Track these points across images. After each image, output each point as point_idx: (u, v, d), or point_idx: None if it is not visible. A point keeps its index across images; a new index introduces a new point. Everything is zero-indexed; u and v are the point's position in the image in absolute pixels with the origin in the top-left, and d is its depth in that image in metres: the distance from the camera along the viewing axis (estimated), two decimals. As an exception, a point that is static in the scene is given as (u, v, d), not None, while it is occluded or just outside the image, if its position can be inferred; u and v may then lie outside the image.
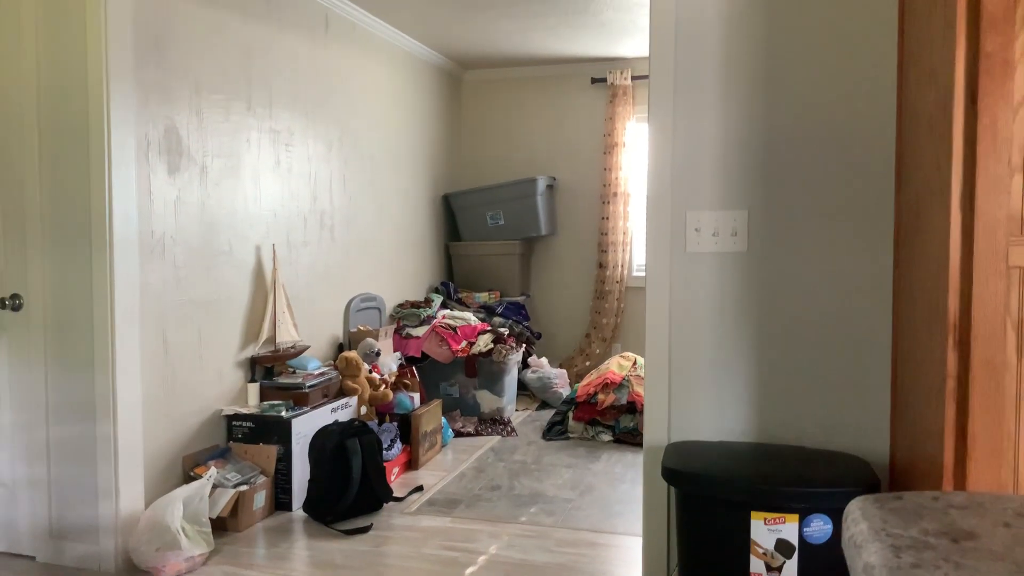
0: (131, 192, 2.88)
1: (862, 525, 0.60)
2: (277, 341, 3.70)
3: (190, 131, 3.26)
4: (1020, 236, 1.45)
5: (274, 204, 3.80)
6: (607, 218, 5.73)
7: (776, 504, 1.79)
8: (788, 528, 1.78)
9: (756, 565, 1.80)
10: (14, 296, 2.91)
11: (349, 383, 3.86)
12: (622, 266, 5.75)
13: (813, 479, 1.83)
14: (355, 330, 4.39)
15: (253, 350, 3.64)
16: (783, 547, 1.79)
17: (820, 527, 1.77)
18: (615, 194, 5.70)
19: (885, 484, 2.06)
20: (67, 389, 2.86)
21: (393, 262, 5.07)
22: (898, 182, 2.02)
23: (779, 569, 1.79)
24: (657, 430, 2.28)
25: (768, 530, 1.79)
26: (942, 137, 1.55)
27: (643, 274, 5.82)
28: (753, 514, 1.80)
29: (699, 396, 2.24)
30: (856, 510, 0.63)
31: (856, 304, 2.10)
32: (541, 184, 5.63)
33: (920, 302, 1.76)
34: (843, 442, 2.11)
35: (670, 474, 1.92)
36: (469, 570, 2.81)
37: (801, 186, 2.14)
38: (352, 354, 3.94)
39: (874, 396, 2.09)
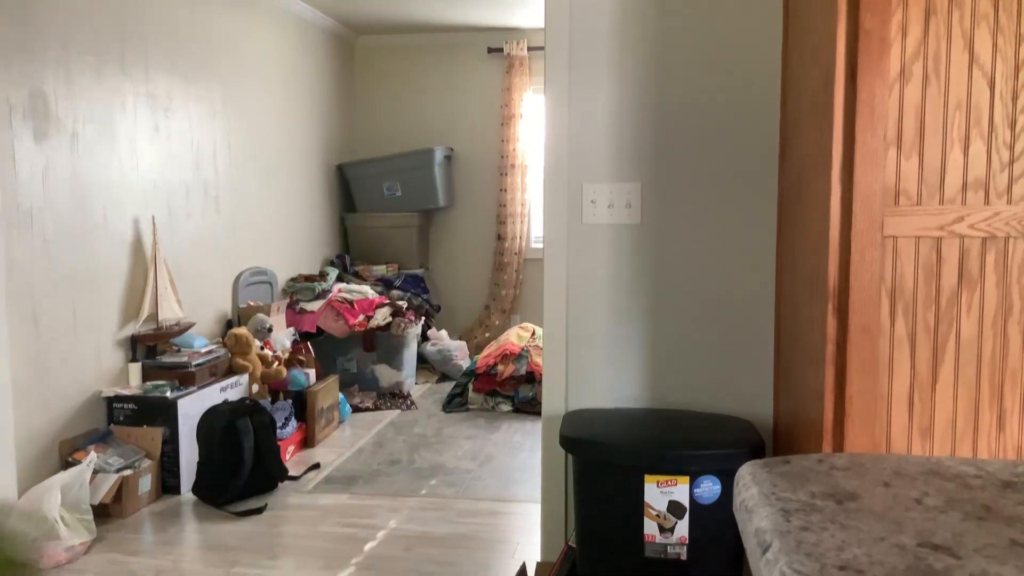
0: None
1: (752, 490, 0.61)
2: (160, 318, 3.52)
3: (58, 95, 3.02)
4: (895, 207, 1.53)
5: (153, 173, 3.58)
6: (505, 190, 5.73)
7: (668, 467, 1.84)
8: (679, 490, 1.84)
9: (650, 527, 1.86)
10: None
11: (239, 361, 3.72)
12: (521, 238, 5.78)
13: (702, 442, 1.89)
14: (245, 306, 4.23)
15: (134, 328, 3.45)
16: (675, 508, 1.85)
17: (709, 488, 1.84)
18: (513, 166, 5.70)
19: (769, 444, 2.17)
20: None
21: (284, 234, 4.90)
22: (782, 156, 2.09)
23: (671, 529, 1.86)
24: (555, 399, 2.31)
25: (660, 492, 1.85)
26: (823, 112, 1.62)
27: (541, 246, 5.87)
28: (646, 477, 1.85)
29: (595, 365, 2.28)
30: (747, 475, 0.64)
31: (742, 274, 2.18)
32: (438, 154, 5.56)
33: (802, 271, 1.84)
34: (731, 406, 2.20)
35: (567, 442, 1.95)
36: (369, 545, 2.78)
37: (691, 160, 2.19)
38: (242, 331, 3.79)
39: (759, 362, 2.19)
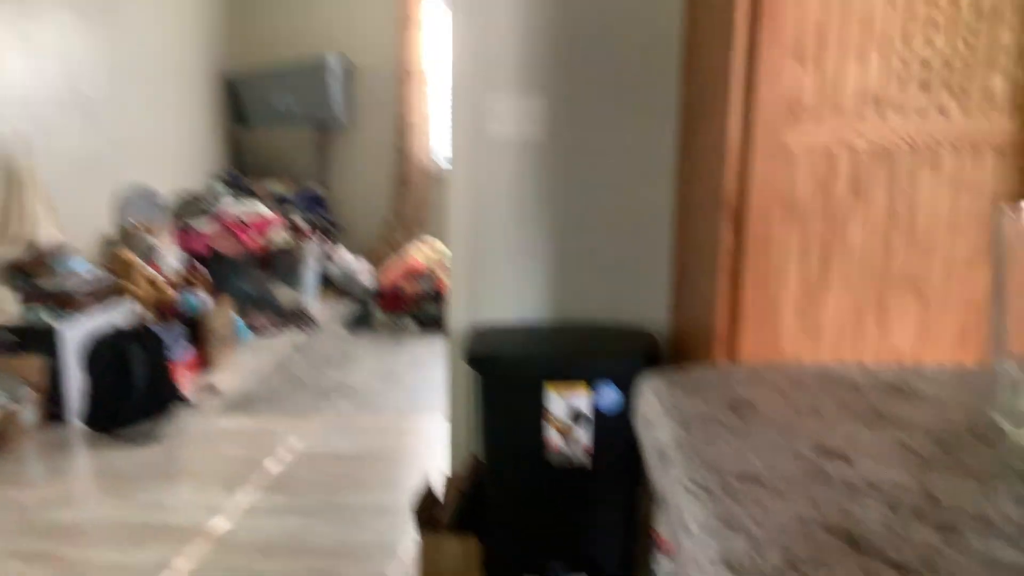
0: None
1: (653, 401, 0.60)
2: (36, 241, 3.27)
3: None
4: (793, 120, 1.54)
5: (21, 86, 3.26)
6: (406, 102, 5.54)
7: (569, 376, 1.87)
8: (581, 398, 1.88)
9: (553, 435, 1.90)
10: None
11: (125, 284, 3.53)
12: (423, 152, 5.63)
13: (602, 351, 1.93)
14: (129, 226, 3.98)
15: (6, 252, 3.20)
16: (577, 416, 1.89)
17: (610, 395, 1.88)
18: (413, 76, 5.50)
19: (667, 353, 2.23)
20: None
21: (170, 150, 4.60)
22: (685, 70, 2.08)
23: (573, 437, 1.90)
24: (459, 315, 2.29)
25: (563, 401, 1.88)
26: (725, 23, 1.60)
27: (445, 161, 5.75)
28: (548, 386, 1.88)
29: (500, 281, 2.27)
30: (647, 387, 0.64)
31: (643, 187, 2.19)
32: (333, 63, 5.29)
33: (701, 184, 1.86)
34: (632, 317, 2.24)
35: (471, 356, 1.94)
36: (271, 466, 2.75)
37: (595, 73, 2.14)
38: (126, 252, 3.58)
39: (658, 274, 2.22)
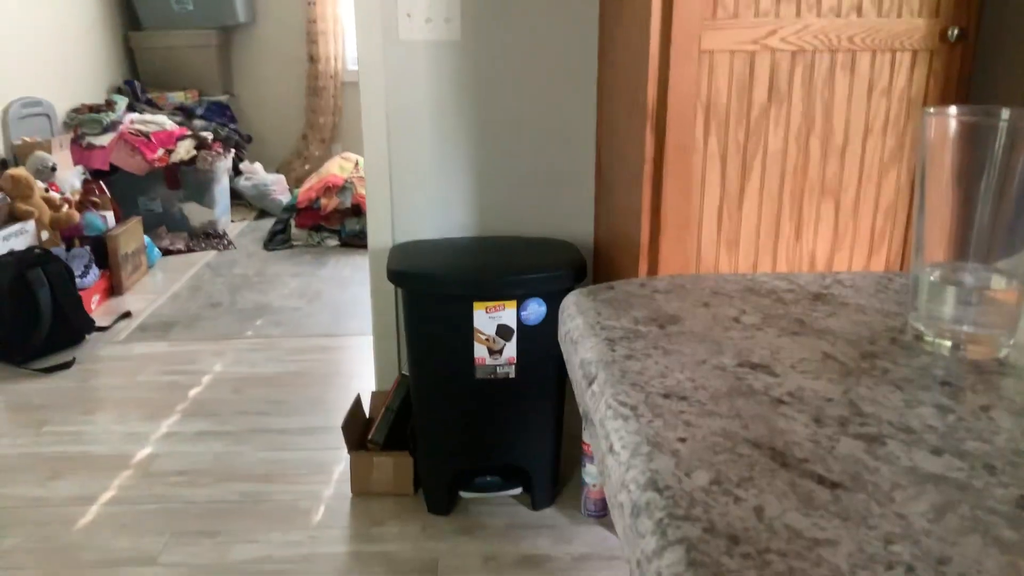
0: None
1: (577, 320, 0.59)
2: (-90, 161, 3.01)
3: None
4: (712, 20, 1.51)
5: None
6: (314, 3, 5.23)
7: (495, 293, 1.86)
8: (507, 314, 1.87)
9: (479, 350, 1.90)
10: None
11: (21, 206, 3.30)
12: (335, 59, 5.37)
13: (527, 266, 1.91)
14: (20, 142, 3.69)
15: None
16: (503, 331, 1.89)
17: (535, 310, 1.88)
18: (321, -23, 5.18)
19: (591, 265, 2.24)
20: None
21: (59, 59, 4.25)
22: (604, -34, 2.00)
23: (500, 351, 1.90)
24: (381, 232, 2.24)
25: (489, 318, 1.87)
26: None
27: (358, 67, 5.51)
28: (475, 305, 1.86)
29: (421, 195, 2.21)
30: (571, 305, 0.62)
31: (565, 96, 2.14)
32: (234, -37, 4.92)
33: (621, 91, 1.82)
34: (555, 230, 2.23)
35: (395, 275, 1.90)
36: (193, 391, 2.68)
37: (513, -31, 2.05)
38: (20, 171, 3.34)
39: (581, 185, 2.20)
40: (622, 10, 1.79)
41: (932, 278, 0.53)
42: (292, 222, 4.45)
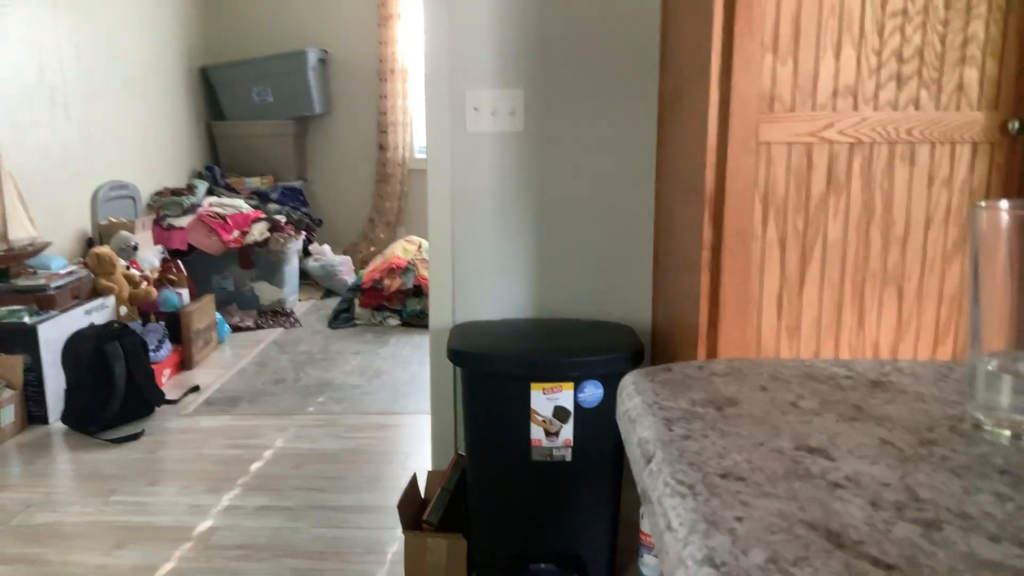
0: None
1: (636, 400, 0.61)
2: (10, 238, 3.23)
3: None
4: (769, 113, 1.55)
5: (-12, 77, 3.21)
6: (385, 96, 5.51)
7: (553, 374, 1.88)
8: (564, 395, 1.88)
9: (536, 432, 1.90)
10: None
11: (103, 282, 3.49)
12: (403, 147, 5.61)
13: (585, 349, 1.93)
14: (106, 222, 3.94)
15: (-21, 250, 3.16)
16: (560, 413, 1.89)
17: (592, 392, 1.88)
18: (392, 71, 5.47)
19: (649, 349, 2.24)
20: None
21: (146, 145, 4.55)
22: (663, 63, 2.08)
23: (556, 433, 1.90)
24: (442, 312, 2.29)
25: (546, 399, 1.89)
26: (703, 16, 1.60)
27: (425, 156, 5.74)
28: (532, 385, 1.88)
29: (482, 277, 2.27)
30: (629, 385, 0.64)
31: (623, 182, 2.20)
32: (312, 57, 5.25)
33: (680, 178, 1.87)
34: (613, 313, 2.25)
35: (454, 354, 1.94)
36: (255, 465, 2.74)
37: (574, 66, 2.14)
38: (104, 249, 3.54)
39: (639, 269, 2.23)
40: (681, 102, 1.86)
41: (989, 367, 0.54)
42: (356, 302, 4.58)
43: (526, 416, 1.89)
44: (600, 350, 1.92)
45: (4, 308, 3.07)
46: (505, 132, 2.18)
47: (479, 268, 2.26)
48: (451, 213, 2.24)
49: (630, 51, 2.12)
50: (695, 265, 1.69)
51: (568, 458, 1.92)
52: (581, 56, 2.14)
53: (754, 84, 1.53)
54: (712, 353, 1.68)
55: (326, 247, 5.33)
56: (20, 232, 3.28)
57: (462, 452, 2.22)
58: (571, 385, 1.87)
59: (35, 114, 3.50)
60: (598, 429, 1.90)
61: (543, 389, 1.88)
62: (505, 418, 1.91)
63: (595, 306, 2.25)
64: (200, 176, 5.10)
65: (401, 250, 4.69)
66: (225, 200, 4.70)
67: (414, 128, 5.68)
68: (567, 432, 1.90)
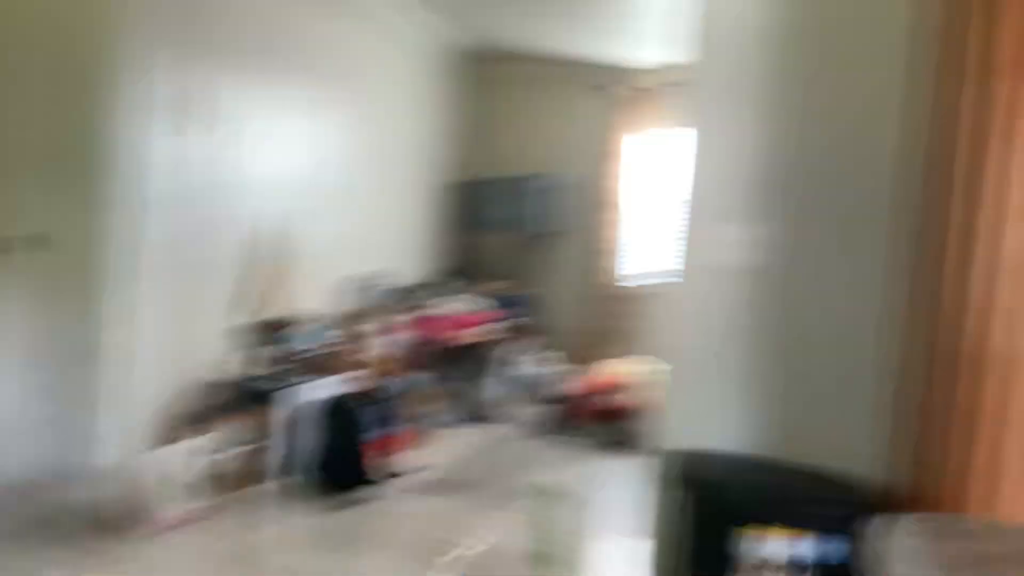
0: (144, 147, 2.86)
1: (891, 546, 0.62)
2: (281, 308, 3.70)
3: (204, 92, 3.24)
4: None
5: (276, 173, 3.79)
6: (610, 224, 5.79)
7: (792, 521, 1.82)
8: (803, 545, 1.81)
9: (765, 577, 1.84)
10: (31, 237, 2.90)
11: (355, 356, 3.87)
12: (615, 273, 5.82)
13: (830, 500, 1.86)
14: (365, 306, 4.39)
15: (256, 315, 3.65)
16: (796, 564, 1.82)
17: (835, 547, 1.80)
18: (616, 201, 5.77)
19: (881, 500, 2.10)
20: (73, 334, 2.87)
21: (401, 243, 5.09)
22: (923, 217, 2.03)
23: (786, 585, 1.83)
24: (665, 436, 2.31)
25: (781, 545, 1.83)
26: (973, 177, 1.59)
27: (648, 281, 5.86)
28: (768, 529, 1.83)
29: (709, 406, 2.28)
30: (886, 531, 0.66)
31: (869, 330, 2.12)
32: (551, 181, 5.67)
33: (942, 338, 1.79)
34: (838, 458, 2.11)
35: (687, 481, 1.95)
36: (461, 551, 2.84)
37: (822, 205, 2.17)
38: (359, 328, 3.95)
39: (870, 417, 2.11)
40: (941, 257, 1.80)
41: None
42: (566, 414, 4.67)
43: (757, 561, 1.84)
44: (847, 504, 1.84)
45: (267, 370, 3.50)
46: (746, 266, 2.22)
47: (707, 396, 2.28)
48: (684, 340, 2.29)
49: (885, 199, 2.10)
50: (967, 428, 1.60)
51: (795, 612, 1.83)
52: (831, 199, 2.16)
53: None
54: (959, 510, 1.56)
55: (544, 356, 5.53)
56: (290, 304, 3.76)
57: (676, 582, 2.17)
58: (811, 535, 1.81)
59: (317, 205, 4.05)
60: (833, 587, 1.80)
61: (779, 535, 1.83)
62: (731, 558, 1.87)
63: (820, 448, 2.15)
64: (450, 275, 5.57)
65: (621, 370, 4.76)
66: (467, 300, 5.07)
67: (648, 253, 5.86)
68: (797, 585, 1.82)
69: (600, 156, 5.82)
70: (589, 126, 5.89)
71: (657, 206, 5.76)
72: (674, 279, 2.31)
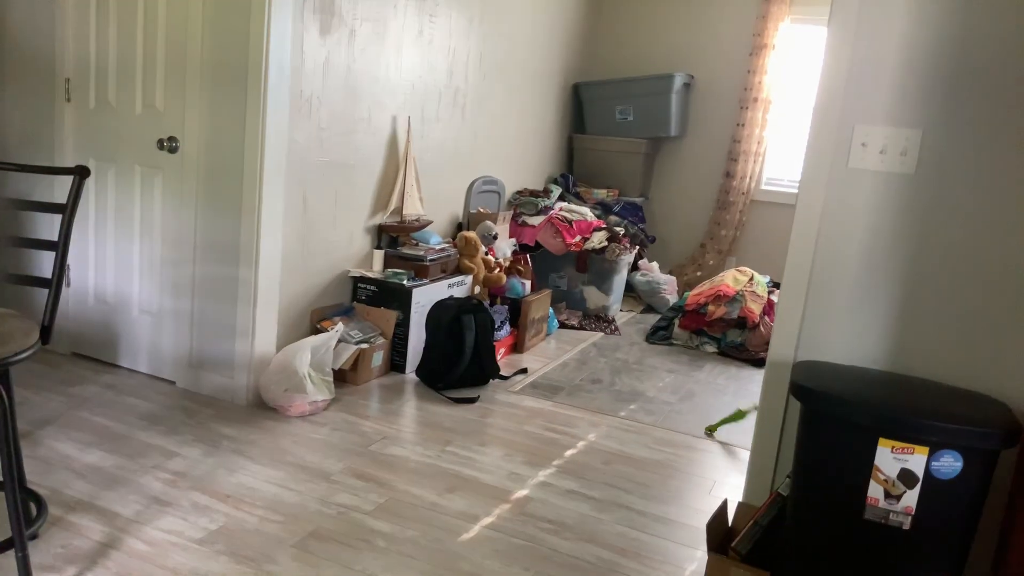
0: (286, 49, 2.94)
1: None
2: (404, 212, 3.79)
3: None
4: None
5: (412, 75, 3.80)
6: (743, 125, 5.48)
7: (906, 434, 1.75)
8: (915, 459, 1.75)
9: (875, 490, 1.80)
10: (171, 138, 3.07)
11: (466, 262, 3.94)
12: (751, 177, 5.54)
13: (948, 414, 1.77)
14: (475, 211, 4.44)
15: (382, 218, 3.76)
16: (906, 477, 1.77)
17: (949, 463, 1.73)
18: (756, 99, 5.43)
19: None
20: (214, 231, 3.04)
21: (517, 148, 5.04)
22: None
23: (898, 497, 1.78)
24: (785, 346, 2.25)
25: (894, 458, 1.77)
26: None
27: (773, 188, 5.60)
28: (881, 440, 1.77)
29: (834, 317, 2.19)
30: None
31: (1020, 243, 1.97)
32: (678, 81, 5.41)
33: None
34: (984, 384, 2.03)
35: (799, 390, 1.90)
36: (569, 451, 2.92)
37: (986, 111, 1.97)
38: (471, 234, 4.00)
39: (1020, 340, 1.99)
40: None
41: None
42: (676, 322, 4.63)
43: (866, 471, 1.79)
44: (967, 420, 1.75)
45: (390, 270, 3.62)
46: (892, 172, 2.07)
47: (833, 308, 2.18)
48: (814, 247, 2.19)
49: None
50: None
51: (905, 526, 1.78)
52: (996, 101, 1.96)
53: None
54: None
55: (655, 264, 5.46)
56: (412, 208, 3.84)
57: (781, 491, 2.16)
58: (926, 450, 1.74)
59: (439, 110, 4.07)
60: (948, 504, 1.74)
61: (892, 447, 1.77)
62: (842, 467, 1.83)
63: (963, 372, 2.05)
64: (555, 182, 5.52)
65: (732, 279, 4.64)
66: (573, 207, 5.03)
67: (766, 159, 5.58)
68: (910, 499, 1.77)
69: (750, 48, 5.47)
70: (738, 17, 5.53)
71: (807, 104, 5.43)
72: (808, 181, 2.18)
